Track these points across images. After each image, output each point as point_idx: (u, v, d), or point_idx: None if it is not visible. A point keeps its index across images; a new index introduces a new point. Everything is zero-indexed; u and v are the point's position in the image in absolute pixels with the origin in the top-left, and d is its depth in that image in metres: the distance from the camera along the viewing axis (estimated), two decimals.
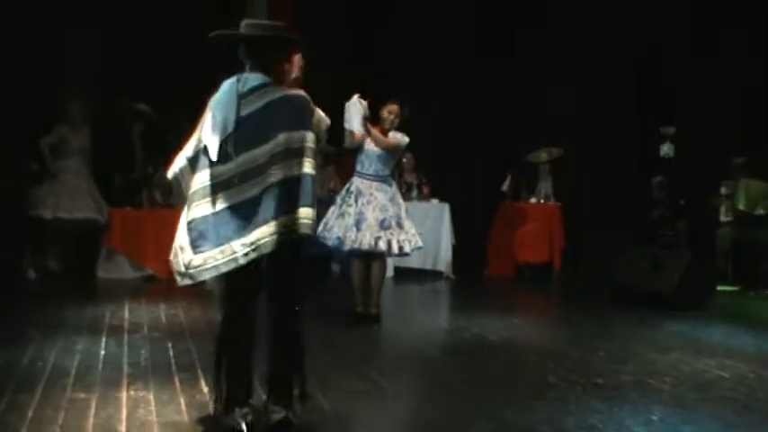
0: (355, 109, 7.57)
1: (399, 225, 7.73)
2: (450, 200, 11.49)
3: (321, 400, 5.04)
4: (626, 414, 4.99)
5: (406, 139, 7.85)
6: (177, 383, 5.44)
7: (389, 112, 7.82)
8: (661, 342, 7.24)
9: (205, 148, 4.41)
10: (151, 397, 5.10)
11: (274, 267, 4.46)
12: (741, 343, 7.31)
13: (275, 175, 4.29)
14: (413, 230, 7.86)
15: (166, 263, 10.90)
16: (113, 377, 5.57)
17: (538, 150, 11.89)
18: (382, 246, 7.63)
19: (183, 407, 4.91)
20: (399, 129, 7.87)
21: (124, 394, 5.16)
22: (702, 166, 11.04)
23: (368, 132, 7.63)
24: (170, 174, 4.65)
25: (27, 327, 7.14)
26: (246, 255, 4.25)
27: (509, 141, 12.89)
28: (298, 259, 4.52)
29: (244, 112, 4.37)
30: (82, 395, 5.11)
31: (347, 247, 7.64)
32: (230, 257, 4.26)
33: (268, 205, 4.27)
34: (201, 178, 4.40)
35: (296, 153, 4.34)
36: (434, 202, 11.49)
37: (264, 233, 4.23)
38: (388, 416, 4.97)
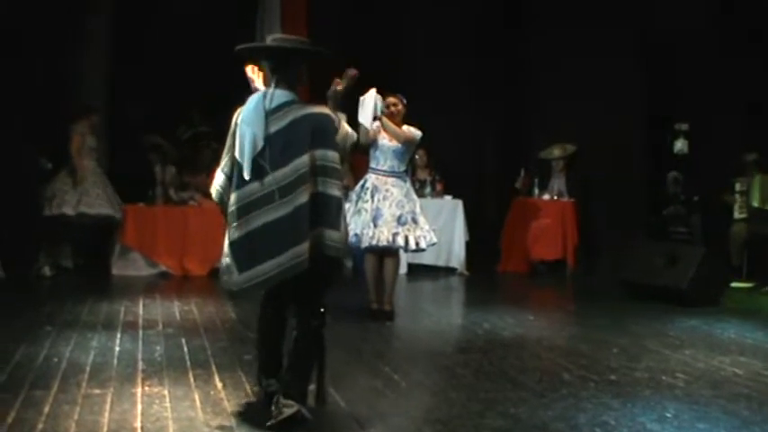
0: (371, 104, 7.55)
1: (415, 221, 7.73)
2: (464, 196, 11.48)
3: (335, 396, 5.05)
4: (639, 411, 4.99)
5: (419, 133, 7.85)
6: (192, 379, 5.46)
7: (393, 105, 7.81)
8: (674, 338, 7.23)
9: (240, 166, 4.46)
10: (166, 393, 5.12)
11: (298, 286, 4.50)
12: (755, 339, 7.28)
13: (301, 195, 4.33)
14: (427, 226, 7.86)
15: (180, 259, 11.09)
16: (128, 373, 5.59)
17: (551, 147, 11.88)
18: (400, 242, 7.63)
19: (198, 403, 4.92)
20: (411, 124, 7.87)
21: (139, 390, 5.18)
22: (716, 162, 11.00)
23: (383, 126, 7.63)
24: (214, 193, 4.71)
25: (42, 323, 7.17)
26: (279, 275, 4.34)
27: (522, 138, 12.88)
28: (327, 280, 4.60)
29: (271, 130, 4.40)
30: (97, 391, 5.13)
31: (365, 243, 7.63)
32: (268, 276, 4.36)
33: (295, 226, 4.32)
34: (239, 196, 4.46)
35: (320, 172, 4.37)
36: (448, 198, 11.48)
37: (295, 254, 4.29)
38: (401, 411, 4.97)
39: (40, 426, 4.43)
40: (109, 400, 4.95)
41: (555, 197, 11.75)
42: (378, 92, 7.62)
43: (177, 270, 10.52)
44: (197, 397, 5.05)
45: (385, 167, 7.79)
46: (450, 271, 11.24)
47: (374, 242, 7.59)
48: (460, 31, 12.83)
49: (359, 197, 7.79)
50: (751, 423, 4.80)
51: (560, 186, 11.83)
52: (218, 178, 4.65)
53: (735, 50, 11.35)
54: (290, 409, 4.41)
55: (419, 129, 7.86)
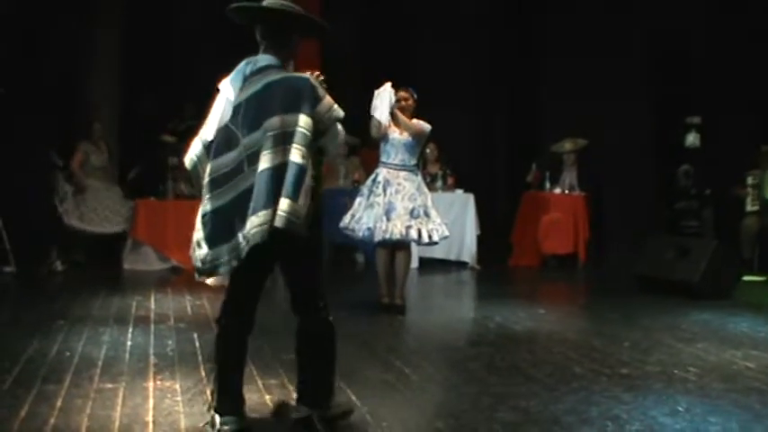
0: (387, 97, 7.54)
1: (427, 214, 7.72)
2: (475, 190, 11.47)
3: (347, 391, 5.05)
4: (651, 404, 4.97)
5: (429, 126, 7.83)
6: (203, 374, 5.46)
7: (404, 99, 7.80)
8: (686, 332, 7.21)
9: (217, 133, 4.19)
10: (178, 387, 5.13)
11: (285, 268, 4.26)
12: (767, 333, 7.26)
13: (266, 161, 3.97)
14: (439, 220, 7.85)
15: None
16: (140, 367, 5.61)
17: (562, 140, 11.86)
18: (413, 235, 7.62)
19: (209, 397, 4.92)
20: (420, 118, 7.86)
21: (151, 384, 5.19)
22: (728, 155, 10.96)
23: (395, 119, 7.62)
24: (187, 161, 4.36)
25: (55, 318, 7.21)
26: (243, 248, 3.99)
27: (533, 132, 12.87)
28: (304, 257, 4.23)
29: (245, 95, 4.12)
30: (109, 385, 5.15)
31: (378, 237, 7.62)
32: (236, 252, 4.04)
33: (257, 193, 3.95)
34: (213, 167, 4.15)
35: (287, 138, 3.99)
36: (459, 192, 11.47)
37: (253, 224, 3.92)
38: (413, 405, 4.98)
39: (53, 420, 4.45)
40: (121, 394, 4.96)
41: (566, 191, 11.74)
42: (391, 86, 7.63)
43: (188, 264, 10.48)
44: (209, 391, 5.05)
45: (396, 161, 7.78)
46: (461, 265, 11.24)
47: (387, 236, 7.58)
48: (471, 25, 12.82)
49: (371, 191, 7.77)
50: (763, 417, 4.78)
51: (572, 180, 11.82)
52: (195, 147, 4.30)
53: (747, 46, 11.32)
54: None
55: (429, 122, 7.85)
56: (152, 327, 6.99)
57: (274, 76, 4.12)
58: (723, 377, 5.66)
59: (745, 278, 9.99)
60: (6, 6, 9.98)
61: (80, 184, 10.52)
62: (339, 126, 4.23)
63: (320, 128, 4.12)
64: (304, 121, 4.01)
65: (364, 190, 7.89)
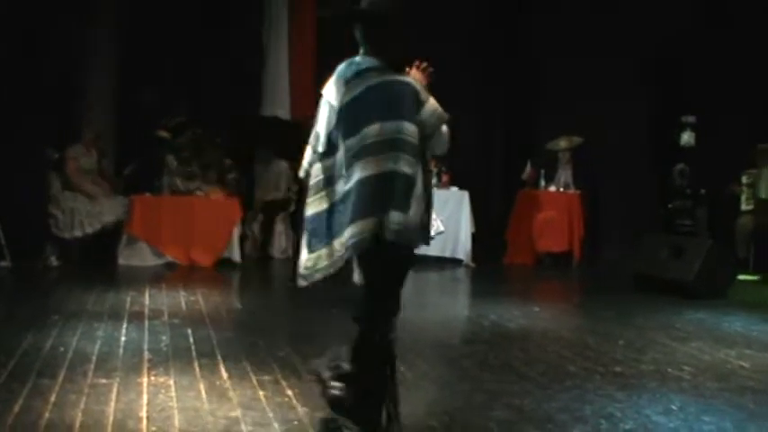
0: None
1: None
2: (470, 188, 11.48)
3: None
4: (645, 403, 4.99)
5: None
6: (197, 369, 5.46)
7: None
8: (680, 331, 7.23)
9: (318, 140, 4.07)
10: (171, 383, 5.13)
11: (369, 270, 4.01)
12: (762, 332, 7.29)
13: (368, 168, 3.84)
14: (434, 215, 7.81)
15: (186, 249, 11.09)
16: (134, 363, 5.60)
17: (557, 138, 11.86)
18: None
19: (203, 393, 4.93)
20: None
21: (145, 380, 5.18)
22: (723, 154, 10.98)
23: None
24: (302, 172, 4.21)
25: (49, 313, 7.19)
26: (342, 256, 3.91)
27: (528, 129, 12.87)
28: (389, 269, 4.03)
29: (346, 99, 3.95)
30: (103, 380, 5.14)
31: None
32: (334, 258, 3.94)
33: (357, 202, 3.84)
34: (314, 173, 4.05)
35: (391, 146, 3.85)
36: (454, 189, 11.48)
37: (353, 233, 3.83)
38: (407, 403, 4.97)
39: (47, 414, 4.44)
40: (115, 389, 4.95)
41: (561, 189, 11.75)
42: None
43: (183, 260, 10.53)
44: (202, 387, 5.06)
45: None
46: (456, 262, 11.25)
47: None
48: (468, 24, 12.82)
49: None
50: (757, 416, 4.80)
51: (567, 178, 11.83)
52: (307, 154, 4.16)
53: (741, 46, 11.34)
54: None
55: None
56: (146, 322, 6.98)
57: (376, 79, 3.95)
58: (717, 376, 5.69)
59: (740, 277, 10.01)
60: (6, 6, 9.94)
61: (83, 190, 10.57)
62: (444, 127, 4.09)
63: (426, 132, 4.00)
64: (408, 128, 3.90)
65: None
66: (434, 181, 11.30)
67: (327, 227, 3.97)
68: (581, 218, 11.48)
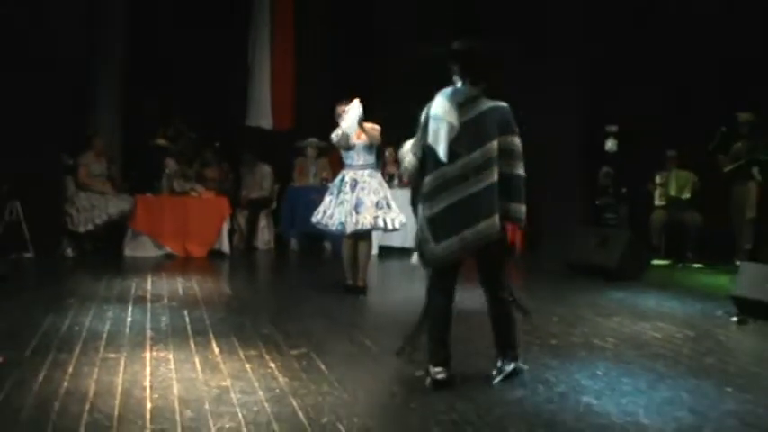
0: (355, 113, 7.54)
1: (389, 205, 7.72)
2: None
3: (317, 360, 5.08)
4: (575, 369, 5.05)
5: (379, 127, 7.80)
6: (192, 345, 5.47)
7: (344, 111, 7.75)
8: (605, 308, 7.29)
9: (433, 151, 4.49)
10: (171, 357, 5.13)
11: (485, 259, 4.65)
12: (671, 308, 7.37)
13: (492, 174, 4.39)
14: (398, 210, 7.85)
15: (182, 242, 11.04)
16: (138, 340, 5.60)
17: None
18: (380, 223, 7.62)
19: (198, 365, 4.94)
20: (376, 122, 7.84)
21: (148, 354, 5.18)
22: (640, 159, 11.08)
23: (363, 130, 7.62)
24: (405, 174, 4.90)
25: (66, 297, 7.16)
26: (476, 242, 4.42)
27: None
28: (505, 251, 4.76)
29: (463, 119, 4.45)
30: (112, 355, 5.14)
31: (349, 229, 7.58)
32: (465, 243, 4.42)
33: (489, 200, 4.39)
34: (435, 177, 4.49)
35: (505, 155, 4.45)
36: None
37: (489, 225, 4.38)
38: (373, 373, 5.01)
39: (65, 384, 4.45)
40: (122, 362, 4.95)
41: None
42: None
43: (180, 252, 10.50)
44: (197, 360, 5.06)
45: (360, 162, 7.77)
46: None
47: (359, 227, 7.56)
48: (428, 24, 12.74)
49: (339, 190, 7.72)
50: (666, 377, 4.88)
51: None
52: (411, 159, 4.69)
53: (654, 61, 11.42)
54: (508, 366, 4.73)
55: (381, 126, 7.84)
56: (149, 305, 6.96)
57: (485, 105, 4.50)
58: (634, 345, 5.76)
59: (654, 262, 10.15)
60: (5, 6, 9.78)
61: (93, 190, 10.55)
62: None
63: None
64: (517, 140, 4.51)
65: (333, 189, 7.85)
66: (396, 182, 11.40)
67: (454, 220, 4.43)
68: None
